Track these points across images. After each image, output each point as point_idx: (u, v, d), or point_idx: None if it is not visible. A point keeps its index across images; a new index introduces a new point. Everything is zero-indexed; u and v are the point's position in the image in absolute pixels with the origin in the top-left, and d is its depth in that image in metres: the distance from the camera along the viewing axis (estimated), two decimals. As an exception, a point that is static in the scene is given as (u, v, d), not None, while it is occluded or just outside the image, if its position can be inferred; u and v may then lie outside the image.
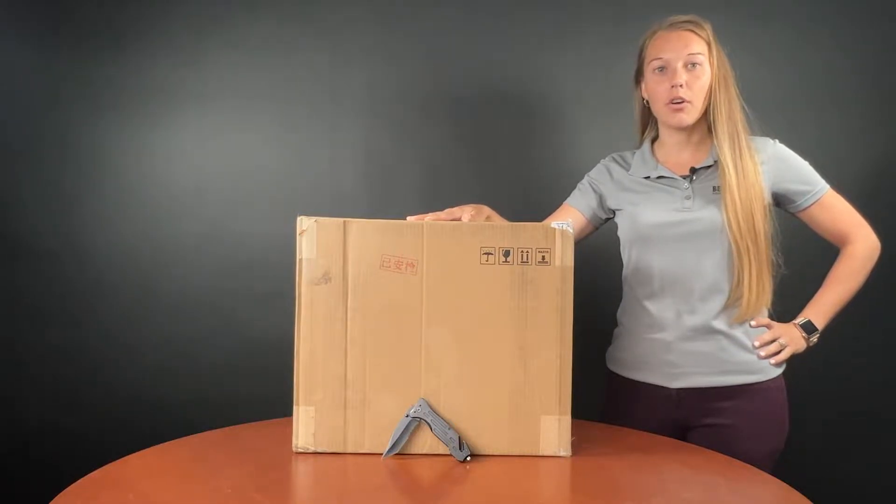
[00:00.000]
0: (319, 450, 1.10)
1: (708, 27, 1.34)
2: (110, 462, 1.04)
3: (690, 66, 1.33)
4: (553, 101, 1.85)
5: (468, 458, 1.07)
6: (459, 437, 1.07)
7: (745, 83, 1.36)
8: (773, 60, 1.78)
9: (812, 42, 1.80)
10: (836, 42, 1.79)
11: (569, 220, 1.22)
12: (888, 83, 1.79)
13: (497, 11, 1.84)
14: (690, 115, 1.34)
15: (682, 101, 1.33)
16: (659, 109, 1.37)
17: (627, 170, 1.45)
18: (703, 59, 1.33)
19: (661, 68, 1.35)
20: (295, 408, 1.10)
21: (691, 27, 1.34)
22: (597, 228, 1.51)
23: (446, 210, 1.19)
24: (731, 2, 1.75)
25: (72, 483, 0.96)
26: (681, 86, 1.32)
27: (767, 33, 1.78)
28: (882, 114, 1.79)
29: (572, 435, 1.10)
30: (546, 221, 1.47)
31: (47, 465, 1.86)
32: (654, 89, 1.37)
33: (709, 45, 1.33)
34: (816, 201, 1.37)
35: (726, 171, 1.31)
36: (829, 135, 1.78)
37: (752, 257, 1.30)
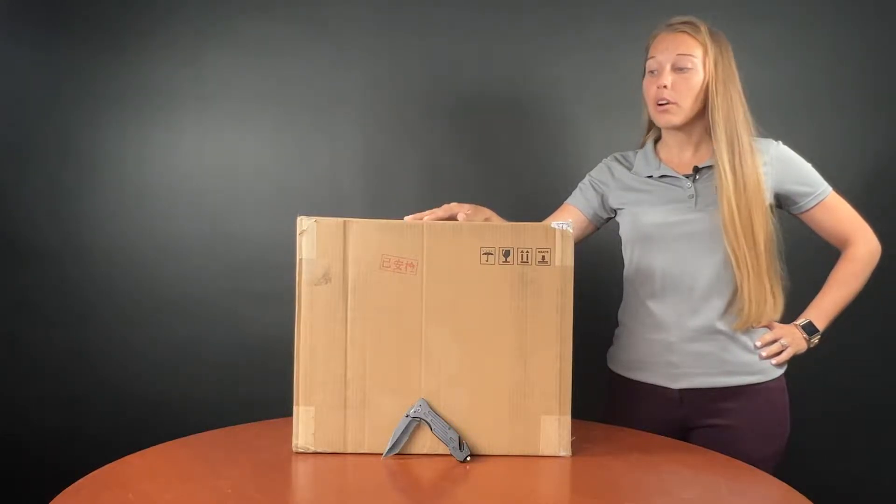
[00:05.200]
0: (319, 450, 1.10)
1: (704, 29, 1.33)
2: (110, 462, 1.04)
3: (679, 69, 1.32)
4: (553, 101, 1.85)
5: (468, 458, 1.07)
6: (459, 437, 1.07)
7: (744, 83, 1.35)
8: (772, 60, 1.78)
9: (811, 42, 1.80)
10: (836, 42, 1.79)
11: (569, 219, 1.22)
12: (887, 83, 1.79)
13: (497, 11, 1.84)
14: (676, 116, 1.33)
15: (667, 103, 1.32)
16: (649, 109, 1.38)
17: (630, 169, 1.45)
18: (695, 61, 1.32)
19: (653, 70, 1.35)
20: (295, 408, 1.10)
21: (686, 29, 1.33)
22: (598, 228, 1.51)
23: (443, 206, 1.19)
24: (731, 1, 1.75)
25: (72, 483, 0.96)
26: (665, 87, 1.32)
27: (766, 33, 1.78)
28: (882, 114, 1.79)
29: (572, 435, 1.10)
30: (546, 221, 1.48)
31: (47, 465, 1.86)
32: (645, 89, 1.38)
33: (704, 47, 1.32)
34: (819, 203, 1.37)
35: (723, 177, 1.29)
36: (829, 135, 1.78)
37: (749, 266, 1.29)
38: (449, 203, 1.21)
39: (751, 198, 1.29)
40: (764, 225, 1.30)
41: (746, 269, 1.29)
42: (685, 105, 1.33)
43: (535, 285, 1.09)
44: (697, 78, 1.32)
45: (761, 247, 1.29)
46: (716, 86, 1.32)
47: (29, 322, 1.89)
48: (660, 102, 1.33)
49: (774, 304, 1.32)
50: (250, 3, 1.85)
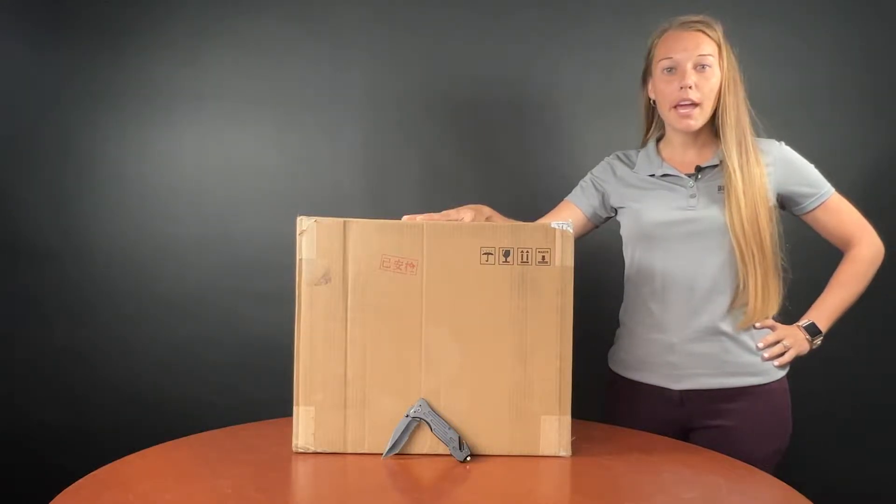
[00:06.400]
0: (319, 450, 1.10)
1: (719, 28, 1.33)
2: (110, 462, 1.04)
3: (700, 68, 1.31)
4: (553, 101, 1.85)
5: (468, 458, 1.07)
6: (459, 437, 1.07)
7: (745, 83, 1.36)
8: (773, 60, 1.77)
9: (811, 42, 1.80)
10: (836, 42, 1.79)
11: (569, 219, 1.22)
12: (887, 83, 1.79)
13: (497, 12, 1.84)
14: (698, 119, 1.33)
15: (691, 103, 1.32)
16: (666, 112, 1.36)
17: (632, 168, 1.45)
18: (713, 60, 1.31)
19: (671, 69, 1.33)
20: (295, 408, 1.10)
21: (702, 27, 1.33)
22: (596, 227, 1.51)
23: (443, 212, 1.19)
24: (731, 2, 1.75)
25: (72, 483, 0.96)
26: (690, 87, 1.31)
27: (767, 33, 1.78)
28: (882, 114, 1.79)
29: (572, 435, 1.10)
30: (546, 219, 1.48)
31: (47, 465, 1.86)
32: (662, 90, 1.35)
33: (719, 46, 1.32)
34: (821, 204, 1.36)
35: (732, 175, 1.30)
36: (829, 135, 1.78)
37: (756, 263, 1.29)
38: (447, 209, 1.21)
39: (757, 196, 1.30)
40: (769, 223, 1.31)
41: (753, 266, 1.29)
42: (707, 105, 1.33)
43: (535, 285, 1.09)
44: (716, 78, 1.32)
45: (767, 243, 1.30)
46: (727, 86, 1.32)
47: (29, 322, 1.89)
48: (683, 103, 1.32)
49: (777, 301, 1.33)
50: (250, 3, 1.85)
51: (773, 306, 1.34)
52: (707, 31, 1.33)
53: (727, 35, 1.35)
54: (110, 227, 1.87)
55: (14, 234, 1.88)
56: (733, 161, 1.30)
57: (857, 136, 1.79)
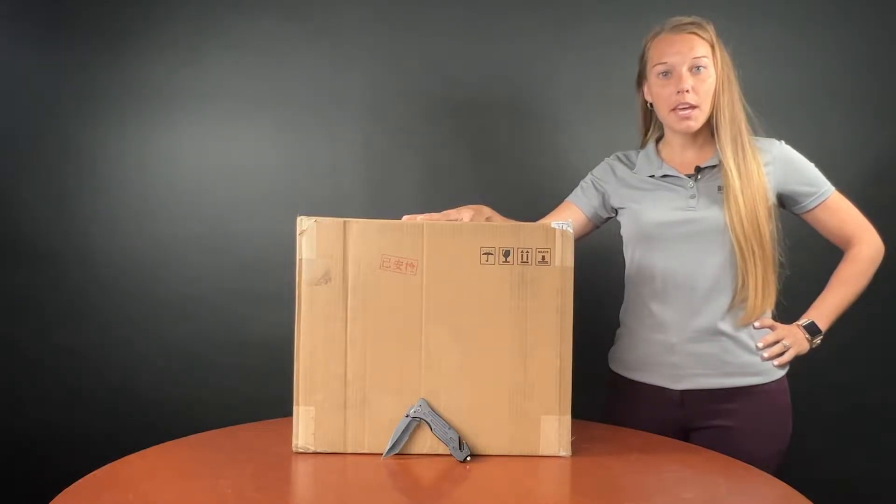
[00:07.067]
0: (319, 450, 1.10)
1: (711, 28, 1.33)
2: (110, 462, 1.04)
3: (695, 70, 1.31)
4: (553, 102, 1.85)
5: (468, 458, 1.07)
6: (459, 437, 1.07)
7: (744, 83, 1.36)
8: (773, 60, 1.78)
9: (811, 42, 1.80)
10: (836, 42, 1.79)
11: (569, 219, 1.22)
12: (887, 83, 1.79)
13: (497, 12, 1.84)
14: (697, 120, 1.33)
15: (689, 107, 1.32)
16: (665, 115, 1.36)
17: (632, 168, 1.45)
18: (707, 61, 1.31)
19: (666, 73, 1.33)
20: (295, 408, 1.10)
21: (695, 29, 1.33)
22: (597, 227, 1.51)
23: (443, 212, 1.19)
24: (731, 2, 1.75)
25: (72, 483, 0.96)
26: (687, 91, 1.31)
27: (766, 33, 1.78)
28: (881, 113, 1.79)
29: (572, 435, 1.10)
30: (546, 219, 1.48)
31: (47, 465, 1.86)
32: (659, 94, 1.35)
33: (712, 46, 1.32)
34: (821, 203, 1.37)
35: (729, 174, 1.30)
36: (829, 135, 1.78)
37: (756, 259, 1.30)
38: (447, 209, 1.21)
39: (756, 194, 1.30)
40: (768, 220, 1.31)
41: (753, 262, 1.30)
42: (705, 107, 1.33)
43: (534, 285, 1.09)
44: (712, 79, 1.32)
45: (766, 239, 1.30)
46: (722, 85, 1.32)
47: (29, 322, 1.89)
48: (682, 107, 1.32)
49: (774, 297, 1.34)
50: (250, 3, 1.85)
51: (771, 302, 1.35)
52: (699, 32, 1.33)
53: (724, 34, 1.35)
54: (110, 226, 1.87)
55: (14, 234, 1.88)
56: (729, 160, 1.31)
57: (857, 136, 1.79)
